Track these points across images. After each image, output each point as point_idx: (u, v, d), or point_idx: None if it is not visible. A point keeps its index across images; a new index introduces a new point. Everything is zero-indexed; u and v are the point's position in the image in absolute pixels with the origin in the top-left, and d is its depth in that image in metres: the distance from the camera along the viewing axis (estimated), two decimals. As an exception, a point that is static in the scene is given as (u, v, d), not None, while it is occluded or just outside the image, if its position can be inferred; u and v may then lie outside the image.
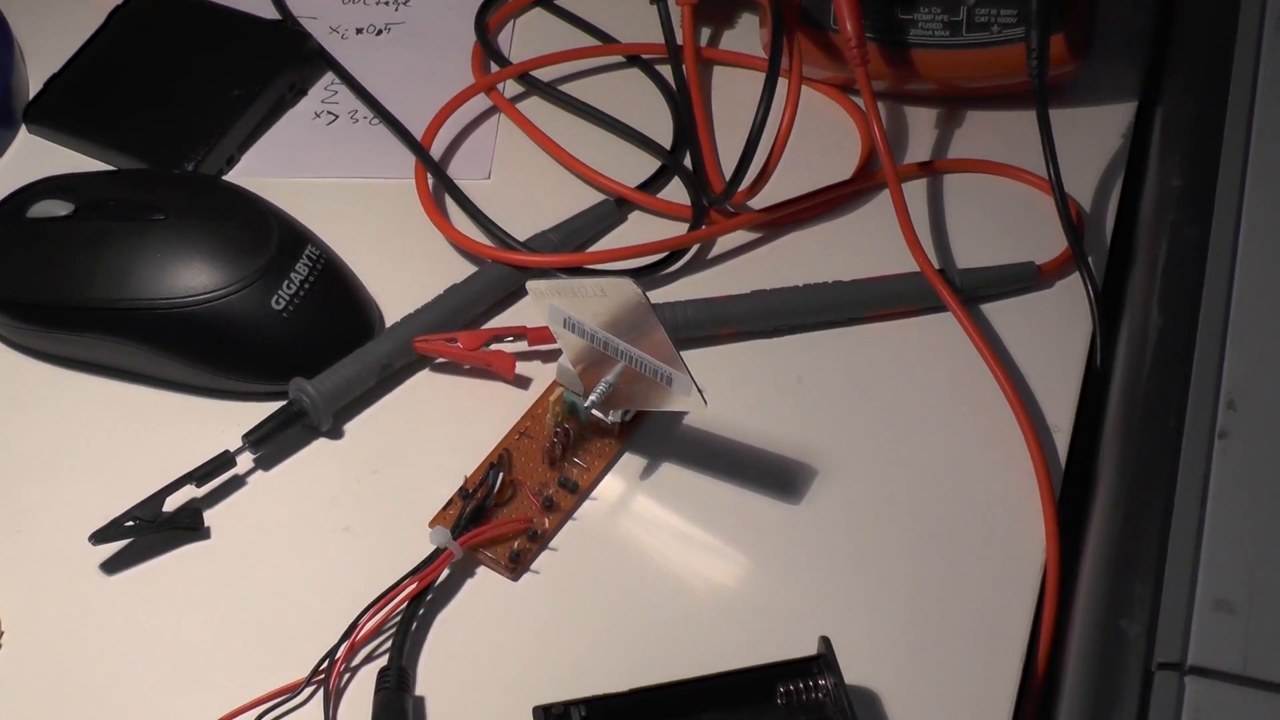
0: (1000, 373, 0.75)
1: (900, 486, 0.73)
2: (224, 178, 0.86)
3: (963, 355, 0.77)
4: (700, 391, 0.68)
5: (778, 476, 0.73)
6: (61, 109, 0.89)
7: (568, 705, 0.63)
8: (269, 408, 0.75)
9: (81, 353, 0.78)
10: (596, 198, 0.84)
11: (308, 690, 0.66)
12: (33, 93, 0.90)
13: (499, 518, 0.71)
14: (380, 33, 0.93)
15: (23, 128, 0.89)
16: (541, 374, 0.77)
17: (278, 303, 0.75)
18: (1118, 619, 0.62)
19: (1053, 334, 0.78)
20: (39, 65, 0.91)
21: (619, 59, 0.92)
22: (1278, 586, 0.59)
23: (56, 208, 0.78)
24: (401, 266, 0.81)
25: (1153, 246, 0.76)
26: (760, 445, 0.74)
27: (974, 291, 0.79)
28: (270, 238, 0.76)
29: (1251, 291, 0.69)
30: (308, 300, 0.76)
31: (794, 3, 0.84)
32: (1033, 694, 0.67)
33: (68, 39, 0.91)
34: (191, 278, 0.75)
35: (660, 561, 0.71)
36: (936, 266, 0.79)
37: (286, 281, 0.75)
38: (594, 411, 0.73)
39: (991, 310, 0.79)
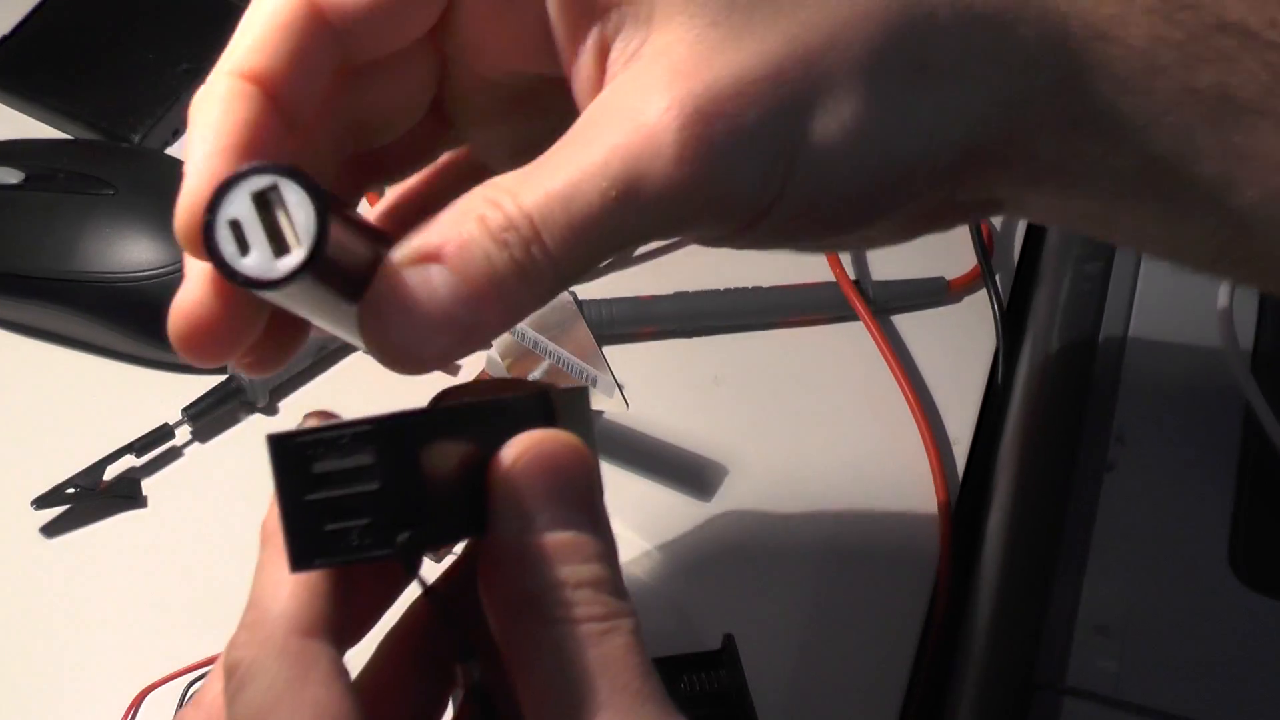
0: (905, 383, 0.79)
1: (805, 489, 0.77)
2: (169, 150, 0.88)
3: (872, 364, 0.80)
4: (623, 394, 0.72)
5: (691, 473, 0.77)
6: (12, 72, 0.91)
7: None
8: (208, 381, 0.78)
9: (28, 319, 0.80)
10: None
11: (237, 661, 0.70)
12: (-16, 53, 0.92)
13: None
14: (326, 11, 0.96)
15: (-27, 87, 0.91)
16: (472, 363, 0.80)
17: (221, 282, 0.78)
18: (1003, 637, 0.66)
19: (958, 348, 0.82)
20: (-9, 25, 0.94)
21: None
22: (1152, 616, 0.64)
23: (7, 175, 0.80)
24: (340, 249, 0.84)
25: (1057, 275, 0.79)
26: (675, 442, 0.78)
27: (886, 303, 0.83)
28: (216, 218, 0.79)
29: (1146, 330, 0.73)
30: (249, 280, 0.78)
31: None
32: (919, 696, 0.71)
33: (18, 2, 0.93)
34: (138, 254, 0.78)
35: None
36: (852, 277, 0.82)
37: (230, 262, 0.78)
38: (520, 405, 0.76)
39: (901, 321, 0.83)
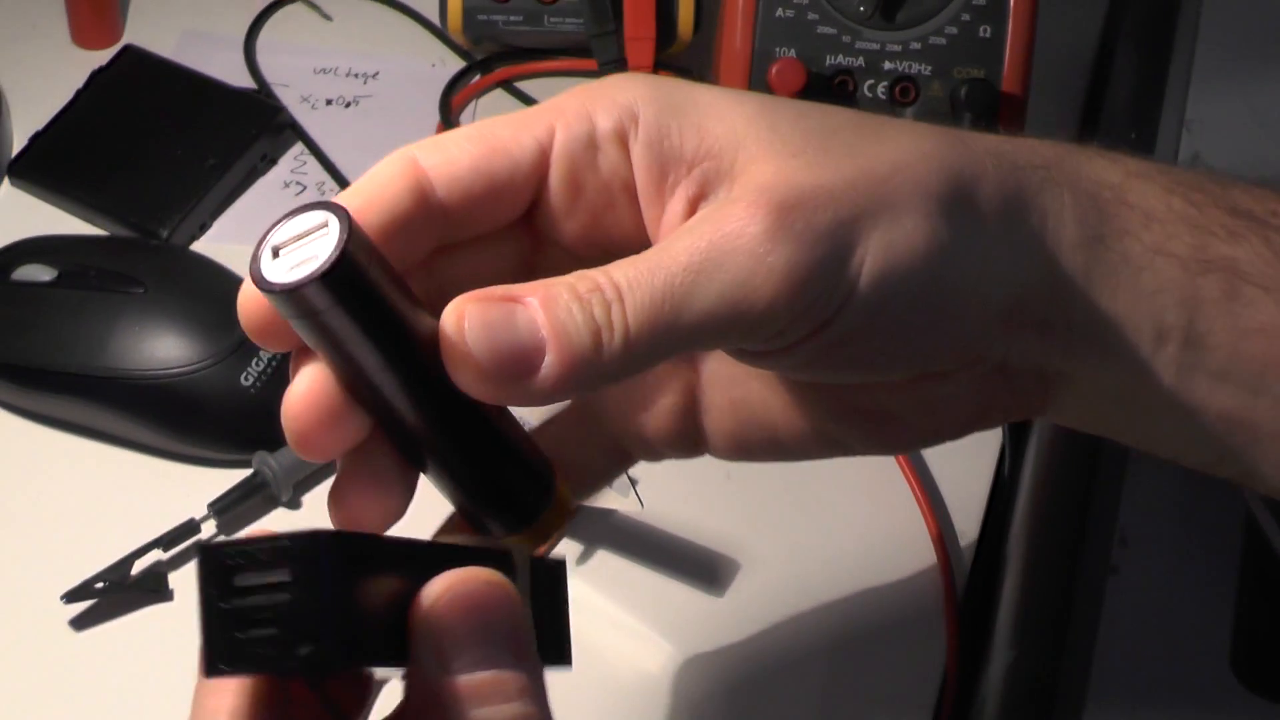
0: (913, 478, 0.81)
1: (815, 584, 0.78)
2: (197, 244, 0.90)
3: (880, 459, 0.82)
4: (638, 495, 0.73)
5: (704, 568, 0.78)
6: (44, 167, 0.93)
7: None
8: (233, 475, 0.80)
9: (58, 412, 0.82)
10: (547, 283, 0.89)
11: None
12: (17, 147, 0.94)
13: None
14: (349, 105, 0.98)
15: (6, 180, 0.93)
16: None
17: (246, 379, 0.80)
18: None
19: (965, 442, 0.83)
20: (23, 120, 0.96)
21: (575, 147, 0.97)
22: (1155, 720, 0.65)
23: (40, 273, 0.83)
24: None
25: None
26: (689, 537, 0.79)
27: (895, 399, 0.84)
28: (242, 317, 0.81)
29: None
30: (274, 377, 0.80)
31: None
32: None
33: (52, 95, 0.95)
34: (166, 351, 0.80)
35: (589, 644, 0.75)
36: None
37: (255, 359, 0.80)
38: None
39: (910, 416, 0.84)
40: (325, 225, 0.44)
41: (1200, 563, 0.70)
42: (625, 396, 0.58)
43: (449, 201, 0.50)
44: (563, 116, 0.51)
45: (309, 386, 0.48)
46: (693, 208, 0.50)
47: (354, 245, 0.44)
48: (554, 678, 0.65)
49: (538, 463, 0.52)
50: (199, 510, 0.78)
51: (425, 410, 0.48)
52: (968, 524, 0.80)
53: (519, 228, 0.52)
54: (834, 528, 0.80)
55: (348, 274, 0.44)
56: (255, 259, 0.45)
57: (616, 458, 0.60)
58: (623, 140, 0.51)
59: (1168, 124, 0.88)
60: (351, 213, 0.46)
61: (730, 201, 0.49)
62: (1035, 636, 0.70)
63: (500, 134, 0.51)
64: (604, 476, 0.61)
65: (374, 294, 0.45)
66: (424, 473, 0.51)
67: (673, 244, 0.48)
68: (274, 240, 0.45)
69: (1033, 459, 0.81)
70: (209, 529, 0.79)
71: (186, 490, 0.80)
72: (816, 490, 0.82)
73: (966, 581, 0.78)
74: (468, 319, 0.46)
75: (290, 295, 0.44)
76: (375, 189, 0.49)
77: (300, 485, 0.80)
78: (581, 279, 0.47)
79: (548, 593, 0.52)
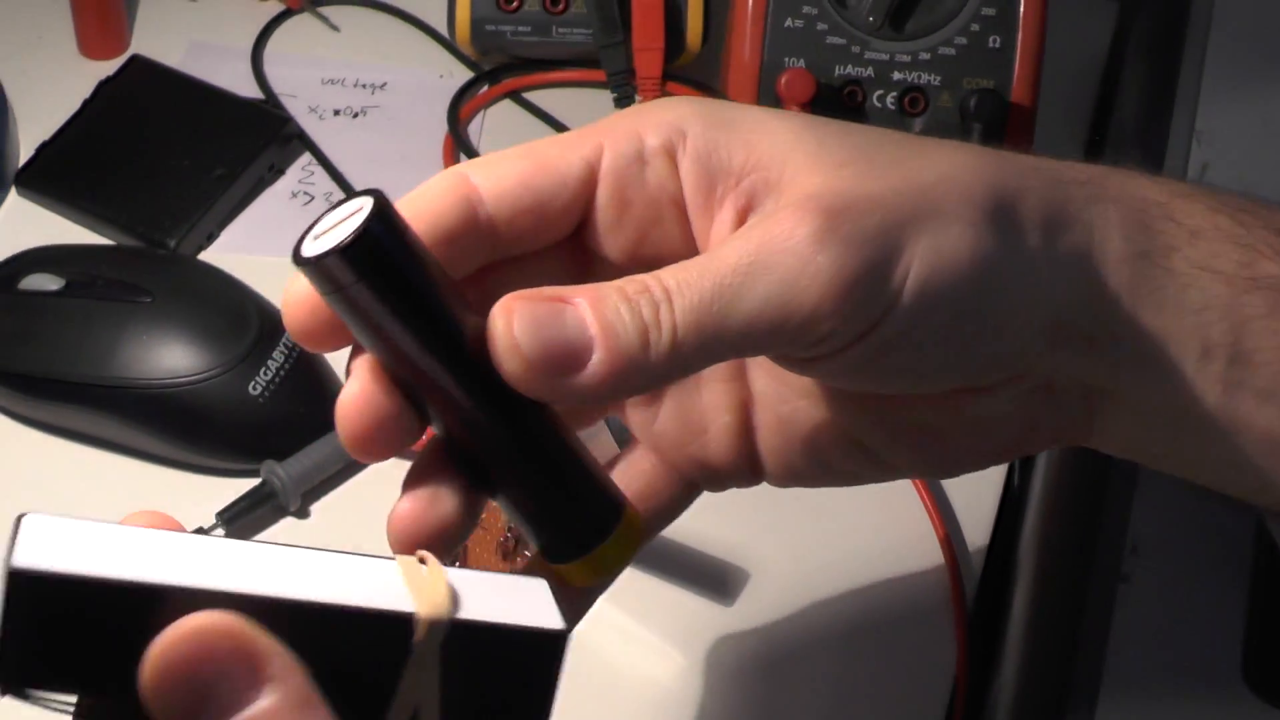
0: (923, 486, 0.81)
1: (824, 593, 0.78)
2: (204, 253, 0.90)
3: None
4: (648, 503, 0.73)
5: (713, 577, 0.78)
6: (51, 177, 0.93)
7: None
8: (241, 484, 0.80)
9: (65, 422, 0.82)
10: (555, 294, 0.89)
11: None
12: (24, 158, 0.94)
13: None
14: (357, 115, 0.98)
15: (13, 190, 0.93)
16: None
17: (254, 388, 0.80)
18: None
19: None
20: (30, 130, 0.96)
21: (583, 158, 0.97)
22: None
23: (47, 282, 0.83)
24: (370, 353, 0.86)
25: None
26: (699, 546, 0.79)
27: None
28: (250, 326, 0.81)
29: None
30: (282, 386, 0.80)
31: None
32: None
33: (59, 106, 0.96)
34: (174, 361, 0.80)
35: (599, 655, 0.75)
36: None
37: (263, 368, 0.80)
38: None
39: (919, 426, 0.84)
40: (360, 209, 0.45)
41: (1212, 571, 0.69)
42: (684, 420, 0.58)
43: (498, 218, 0.50)
44: (610, 135, 0.52)
45: (360, 386, 0.48)
46: (741, 218, 0.51)
47: (380, 221, 0.45)
48: (563, 684, 0.65)
49: (602, 488, 0.51)
50: (207, 520, 0.78)
51: (470, 403, 0.48)
52: (977, 532, 0.80)
53: (567, 246, 0.53)
54: (844, 536, 0.80)
55: (371, 247, 0.45)
56: (297, 242, 0.46)
57: (682, 491, 0.59)
58: (671, 156, 0.51)
59: (1178, 134, 0.88)
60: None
61: (779, 208, 0.49)
62: (1045, 645, 0.69)
63: (549, 153, 0.51)
64: (670, 512, 0.60)
65: (402, 270, 0.46)
66: (488, 492, 0.50)
67: (721, 249, 0.48)
68: (318, 228, 0.46)
69: (1043, 466, 0.81)
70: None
71: (194, 500, 0.80)
72: (826, 499, 0.81)
73: (977, 589, 0.78)
74: (516, 314, 0.46)
75: (315, 266, 0.45)
76: (425, 203, 0.50)
77: (309, 494, 0.80)
78: (630, 282, 0.48)
79: (509, 670, 0.47)
